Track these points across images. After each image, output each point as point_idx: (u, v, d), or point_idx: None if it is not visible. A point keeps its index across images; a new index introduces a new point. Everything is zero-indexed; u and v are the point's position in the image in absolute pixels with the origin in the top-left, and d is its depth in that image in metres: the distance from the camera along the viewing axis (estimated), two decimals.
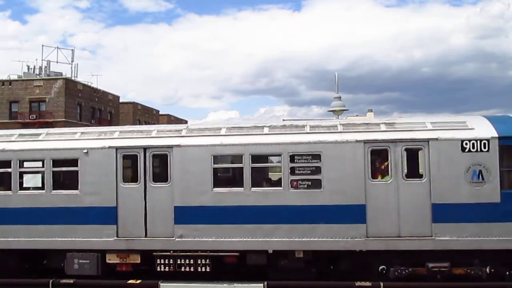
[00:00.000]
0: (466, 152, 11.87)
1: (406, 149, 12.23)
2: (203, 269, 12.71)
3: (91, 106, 65.15)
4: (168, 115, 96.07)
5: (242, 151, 12.56)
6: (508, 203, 11.71)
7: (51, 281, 12.69)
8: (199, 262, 12.73)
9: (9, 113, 59.42)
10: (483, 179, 11.80)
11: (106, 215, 12.84)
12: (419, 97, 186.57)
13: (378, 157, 12.50)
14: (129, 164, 13.16)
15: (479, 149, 11.84)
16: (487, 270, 11.99)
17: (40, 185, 13.20)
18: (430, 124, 12.49)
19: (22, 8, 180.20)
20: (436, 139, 12.00)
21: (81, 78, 68.60)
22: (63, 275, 13.02)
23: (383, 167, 12.44)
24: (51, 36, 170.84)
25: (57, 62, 64.45)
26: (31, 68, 63.45)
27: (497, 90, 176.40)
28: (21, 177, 13.32)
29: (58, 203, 13.02)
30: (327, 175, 12.22)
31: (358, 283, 11.92)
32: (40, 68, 63.75)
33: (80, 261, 12.93)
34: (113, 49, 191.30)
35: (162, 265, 12.79)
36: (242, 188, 12.50)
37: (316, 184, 12.28)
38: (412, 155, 12.44)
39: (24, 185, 13.35)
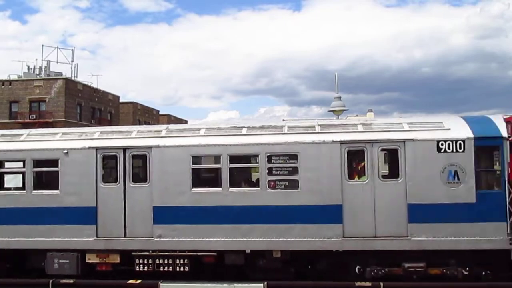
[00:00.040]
0: (442, 152, 11.91)
1: (382, 150, 12.29)
2: (182, 269, 12.77)
3: (91, 106, 65.40)
4: (168, 115, 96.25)
5: (220, 151, 12.64)
6: (483, 204, 11.75)
7: (51, 281, 12.74)
8: (177, 262, 12.79)
9: (9, 113, 59.73)
10: (458, 179, 11.84)
11: (86, 215, 12.94)
12: (419, 97, 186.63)
13: (355, 158, 12.56)
14: (109, 164, 13.26)
15: (454, 150, 11.88)
16: (463, 270, 12.02)
17: (21, 185, 13.30)
18: (407, 124, 12.53)
19: (22, 8, 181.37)
20: (412, 139, 12.05)
21: (81, 78, 69.02)
22: (43, 275, 13.10)
23: (359, 167, 12.50)
24: (51, 36, 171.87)
25: (57, 62, 64.85)
26: (31, 68, 63.76)
27: (497, 90, 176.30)
28: (2, 177, 13.43)
29: (38, 203, 13.13)
30: (304, 176, 12.28)
31: (358, 283, 11.93)
32: (40, 68, 64.02)
33: (60, 261, 13.01)
34: (113, 49, 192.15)
35: (141, 265, 12.86)
36: (220, 189, 12.58)
37: (293, 184, 12.34)
38: (389, 156, 12.48)
39: (5, 186, 13.46)
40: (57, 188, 13.09)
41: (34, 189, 13.21)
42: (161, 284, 12.41)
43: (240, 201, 12.50)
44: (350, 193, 12.17)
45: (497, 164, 12.03)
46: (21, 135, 13.98)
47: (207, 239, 12.53)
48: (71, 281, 12.74)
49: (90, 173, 13.01)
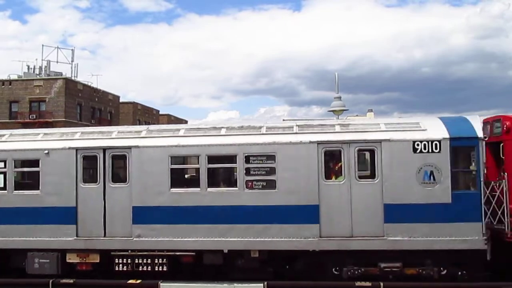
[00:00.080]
0: (418, 153, 11.95)
1: (359, 150, 12.34)
2: (161, 269, 12.85)
3: (91, 106, 65.43)
4: (168, 115, 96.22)
5: (199, 152, 12.72)
6: (459, 204, 11.78)
7: (51, 281, 12.81)
8: (156, 261, 12.88)
9: (9, 113, 59.74)
10: (434, 179, 11.88)
11: (66, 215, 13.04)
12: (419, 97, 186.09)
13: (332, 158, 12.60)
14: (89, 164, 13.33)
15: (430, 150, 11.91)
16: (439, 270, 12.07)
17: (2, 185, 13.41)
18: (384, 125, 12.58)
19: (22, 8, 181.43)
20: (388, 140, 12.09)
21: (81, 78, 68.96)
22: (24, 274, 13.21)
23: (336, 167, 12.54)
24: (51, 36, 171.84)
25: (57, 62, 64.71)
26: (31, 68, 63.70)
27: (497, 90, 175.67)
28: None
29: (19, 203, 13.24)
30: (282, 176, 12.34)
31: (358, 283, 11.94)
32: (40, 68, 63.93)
33: (40, 260, 13.12)
34: (113, 49, 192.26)
35: (121, 265, 12.96)
36: (199, 189, 12.65)
37: (271, 184, 12.41)
38: (370, 156, 12.54)
39: None
40: (37, 188, 13.19)
41: (15, 189, 13.32)
42: (161, 284, 12.45)
43: (218, 201, 12.58)
44: (327, 194, 12.22)
45: (473, 164, 12.07)
46: (3, 135, 14.08)
47: (185, 239, 12.61)
48: (71, 280, 12.82)
49: (71, 173, 13.10)
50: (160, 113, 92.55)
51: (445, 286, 12.21)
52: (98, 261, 13.14)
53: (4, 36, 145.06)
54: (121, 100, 76.08)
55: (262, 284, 12.19)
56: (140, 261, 12.92)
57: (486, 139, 12.34)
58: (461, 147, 11.98)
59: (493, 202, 11.92)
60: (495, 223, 12.06)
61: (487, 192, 11.88)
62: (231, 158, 12.71)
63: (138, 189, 12.82)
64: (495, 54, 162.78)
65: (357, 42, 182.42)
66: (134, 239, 12.78)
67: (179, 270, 13.02)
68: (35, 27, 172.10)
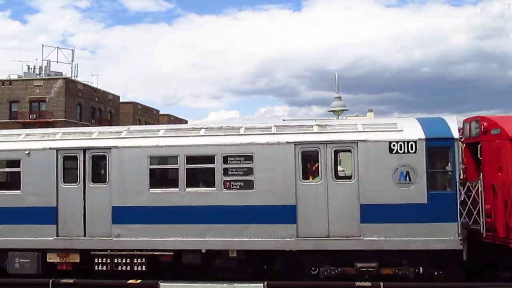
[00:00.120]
0: (394, 153, 11.99)
1: (335, 151, 12.39)
2: (139, 268, 12.93)
3: (91, 106, 65.59)
4: (168, 115, 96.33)
5: (177, 152, 12.80)
6: (434, 204, 11.82)
7: (51, 281, 12.86)
8: (135, 261, 12.96)
9: (9, 113, 59.89)
10: (410, 180, 11.92)
11: (47, 215, 13.13)
12: (419, 97, 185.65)
13: (309, 159, 12.65)
14: (70, 165, 13.41)
15: (406, 151, 11.96)
16: (415, 270, 12.09)
17: None
18: (361, 126, 12.63)
19: (22, 8, 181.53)
20: (365, 140, 12.14)
21: (81, 78, 68.78)
22: (5, 274, 13.31)
23: (314, 168, 12.59)
24: (51, 36, 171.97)
25: (57, 62, 64.85)
26: (31, 68, 63.84)
27: (498, 90, 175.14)
28: None
29: (0, 203, 13.33)
30: (259, 176, 12.40)
31: (358, 283, 11.96)
32: (40, 68, 64.07)
33: (21, 260, 13.20)
34: (113, 49, 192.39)
35: (100, 264, 13.04)
36: (177, 189, 12.73)
37: (248, 184, 12.48)
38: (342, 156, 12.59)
39: None
40: (18, 188, 13.29)
41: None
42: (161, 284, 12.48)
43: (196, 201, 12.65)
44: (304, 194, 12.28)
45: (449, 165, 12.09)
46: None
47: (164, 239, 12.69)
48: (71, 280, 12.88)
49: (51, 173, 13.20)
50: (160, 113, 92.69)
51: (445, 286, 12.25)
52: (78, 260, 13.23)
53: (4, 36, 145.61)
54: (121, 100, 76.23)
55: (262, 284, 12.21)
56: (119, 261, 12.99)
57: (462, 139, 12.38)
58: (436, 147, 12.01)
59: (469, 203, 11.95)
60: (470, 224, 12.09)
61: (463, 192, 11.92)
62: (210, 159, 12.75)
63: (118, 189, 12.91)
64: (496, 54, 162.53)
65: (357, 42, 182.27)
66: (114, 239, 12.86)
67: (158, 270, 13.08)
68: (35, 27, 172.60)
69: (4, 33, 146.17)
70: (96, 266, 13.06)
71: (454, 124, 12.17)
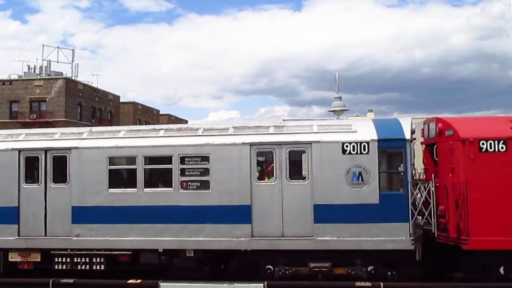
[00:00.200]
0: (347, 154, 12.08)
1: (290, 151, 12.47)
2: (98, 267, 13.09)
3: (92, 106, 65.78)
4: (169, 115, 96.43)
5: (136, 153, 12.95)
6: (386, 204, 11.91)
7: (51, 280, 12.96)
8: (94, 260, 13.12)
9: (10, 112, 60.11)
10: (362, 180, 12.00)
11: (9, 215, 13.32)
12: (420, 97, 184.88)
13: (264, 159, 12.76)
14: (31, 165, 13.59)
15: (359, 152, 12.05)
16: (367, 270, 12.18)
17: None
18: (317, 127, 12.72)
19: (22, 8, 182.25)
20: (318, 141, 12.24)
21: (82, 78, 68.98)
22: None
23: (269, 168, 12.70)
24: (52, 36, 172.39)
25: (57, 61, 64.92)
26: (31, 68, 64.04)
27: (498, 90, 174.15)
28: None
29: None
30: (215, 177, 12.54)
31: (358, 283, 12.01)
32: (41, 67, 64.21)
33: None
34: (113, 49, 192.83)
35: (60, 264, 13.21)
36: (136, 189, 12.88)
37: (205, 185, 12.62)
38: (297, 157, 12.66)
39: None
40: None
41: None
42: (161, 284, 12.57)
43: (154, 201, 12.80)
44: (259, 194, 12.39)
45: (401, 165, 12.15)
46: None
47: (122, 239, 12.84)
48: (71, 280, 12.98)
49: (13, 173, 13.39)
50: (160, 113, 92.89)
51: (445, 286, 12.32)
52: (39, 260, 13.40)
53: (4, 36, 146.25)
54: (121, 100, 76.34)
55: (262, 284, 12.27)
56: (78, 260, 13.16)
57: (415, 140, 12.43)
58: (389, 148, 12.11)
59: (420, 203, 12.01)
60: (422, 224, 12.15)
61: (415, 193, 11.97)
62: (167, 159, 12.88)
63: (78, 189, 13.08)
64: (496, 55, 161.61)
65: (357, 42, 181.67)
66: (73, 238, 13.03)
67: (116, 270, 13.23)
68: (35, 27, 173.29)
69: (5, 33, 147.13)
70: (56, 266, 13.23)
71: (407, 125, 12.22)
